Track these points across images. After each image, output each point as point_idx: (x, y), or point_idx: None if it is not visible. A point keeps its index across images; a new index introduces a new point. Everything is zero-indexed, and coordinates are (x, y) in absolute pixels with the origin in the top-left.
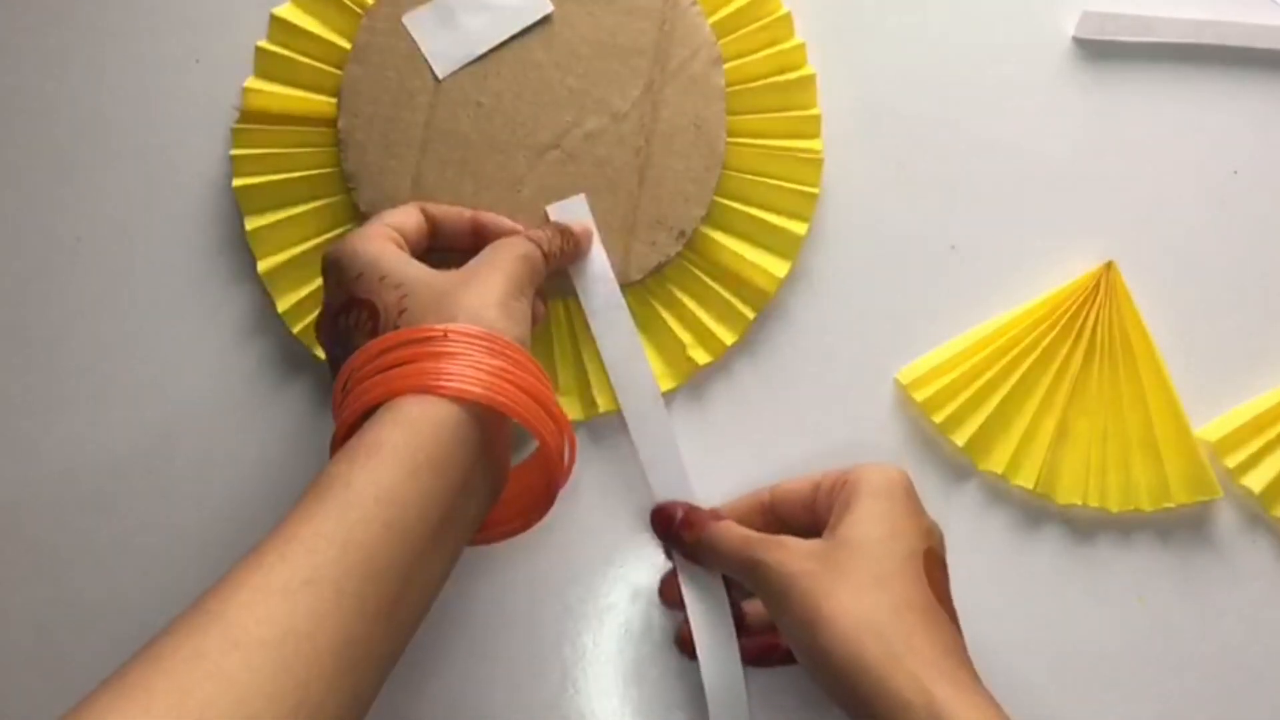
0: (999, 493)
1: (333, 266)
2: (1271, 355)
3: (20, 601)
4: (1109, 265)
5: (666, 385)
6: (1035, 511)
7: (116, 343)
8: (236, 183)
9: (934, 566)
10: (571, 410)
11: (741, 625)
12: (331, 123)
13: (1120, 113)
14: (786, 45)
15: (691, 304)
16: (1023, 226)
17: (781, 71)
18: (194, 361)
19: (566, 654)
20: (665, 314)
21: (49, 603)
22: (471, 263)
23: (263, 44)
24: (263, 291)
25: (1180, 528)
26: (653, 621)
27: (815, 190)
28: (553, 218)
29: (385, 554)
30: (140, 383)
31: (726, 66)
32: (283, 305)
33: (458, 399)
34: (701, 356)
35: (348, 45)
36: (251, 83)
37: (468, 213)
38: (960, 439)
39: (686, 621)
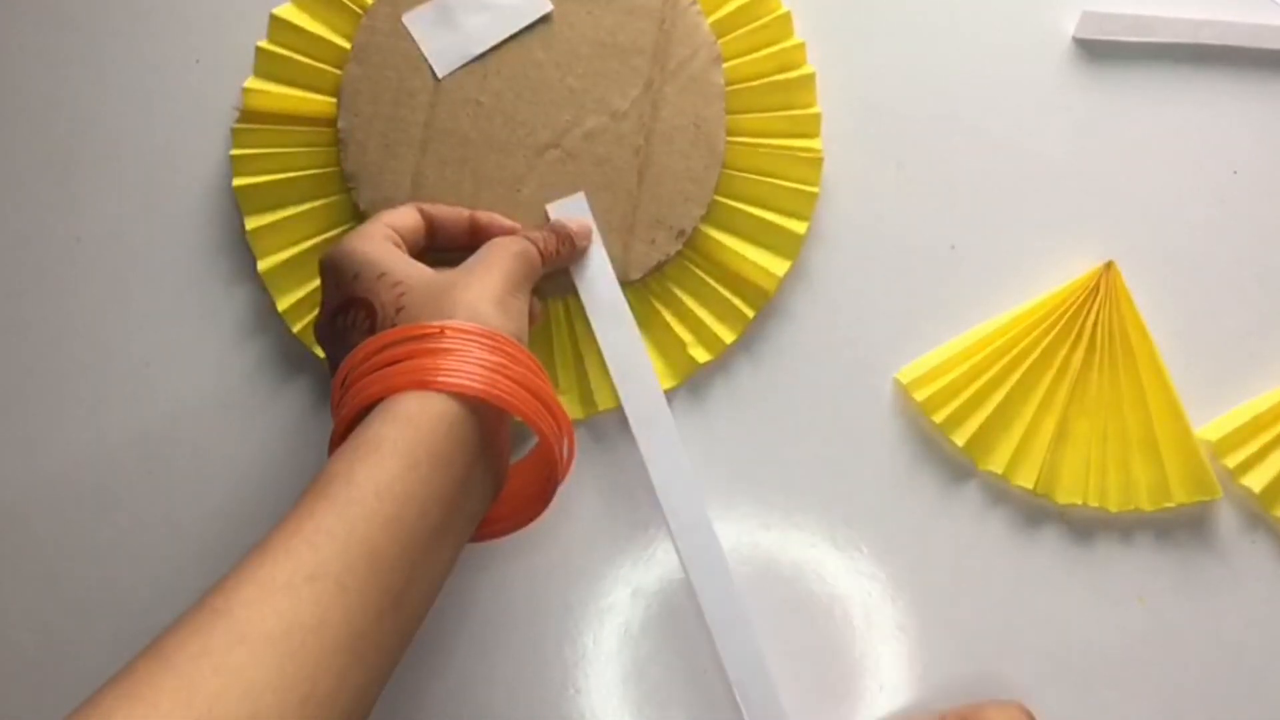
0: (999, 493)
1: (330, 267)
2: (1271, 355)
3: (21, 600)
4: (1109, 265)
5: (666, 384)
6: (1035, 511)
7: (116, 342)
8: (237, 182)
9: None
10: (571, 409)
11: None
12: (331, 122)
13: (1120, 113)
14: (786, 44)
15: (691, 303)
16: (1023, 226)
17: (781, 70)
18: (194, 360)
19: (566, 654)
20: (665, 313)
21: (49, 601)
22: (468, 261)
23: (263, 44)
24: (263, 291)
25: (1180, 528)
26: (652, 621)
27: (815, 189)
28: (552, 216)
29: (388, 548)
30: (140, 382)
31: (726, 65)
32: (283, 304)
33: (456, 394)
34: (701, 355)
35: (347, 45)
36: (251, 83)
37: (465, 212)
38: (960, 439)
39: None
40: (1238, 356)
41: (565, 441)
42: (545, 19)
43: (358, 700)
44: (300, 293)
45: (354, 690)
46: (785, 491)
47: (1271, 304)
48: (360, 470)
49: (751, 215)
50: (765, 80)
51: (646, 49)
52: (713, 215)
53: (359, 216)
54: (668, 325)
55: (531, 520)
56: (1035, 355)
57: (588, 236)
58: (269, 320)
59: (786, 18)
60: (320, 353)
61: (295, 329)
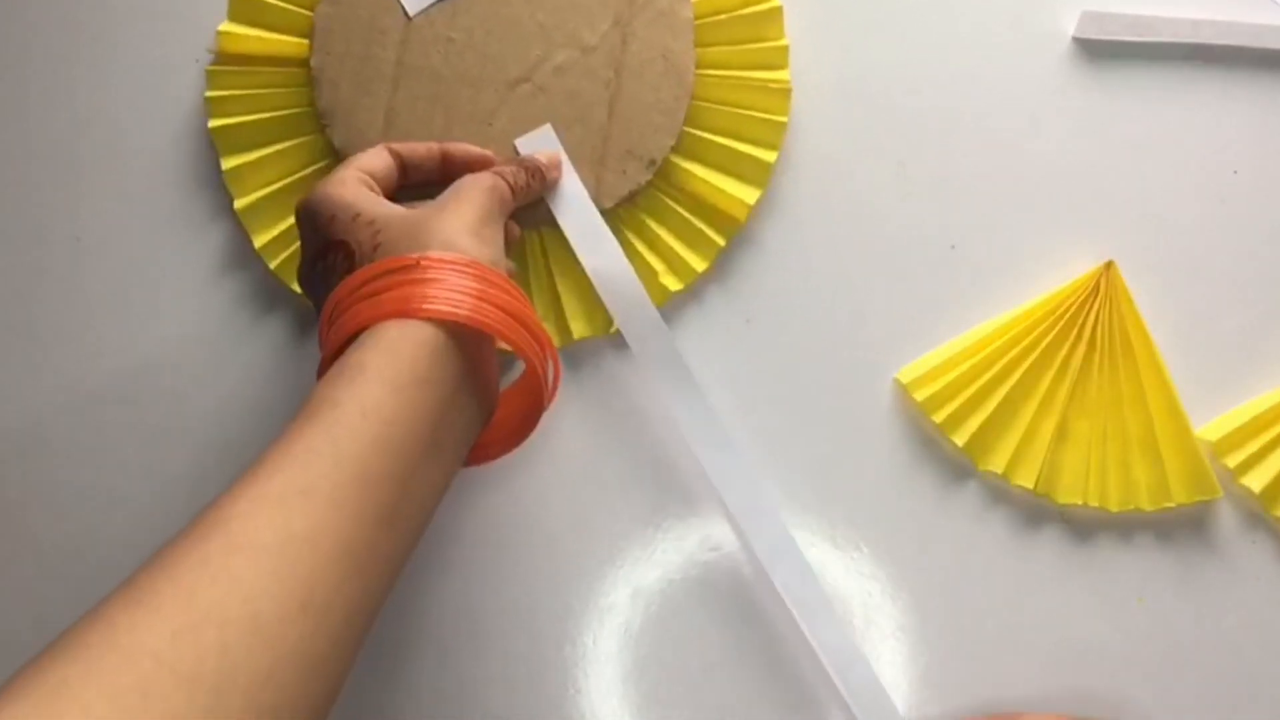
0: (999, 493)
1: (306, 214)
2: (1271, 355)
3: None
4: (1109, 265)
5: None
6: (1035, 511)
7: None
8: (213, 124)
9: None
10: None
11: None
12: (304, 63)
13: (1120, 113)
14: None
15: (662, 232)
16: (1023, 226)
17: (749, 3)
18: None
19: (566, 654)
20: (636, 242)
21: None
22: (440, 197)
23: None
24: (239, 229)
25: (1180, 528)
26: (652, 621)
27: (784, 119)
28: (522, 150)
29: (377, 466)
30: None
31: None
32: (259, 241)
33: (436, 320)
34: (673, 283)
35: None
36: (225, 26)
37: (435, 146)
38: (960, 439)
39: None
40: (1238, 356)
41: (550, 363)
42: None
43: (356, 611)
44: (276, 230)
45: (351, 600)
46: (785, 491)
47: (1271, 304)
48: (345, 393)
49: (721, 145)
50: (733, 13)
51: None
52: (683, 146)
53: (333, 154)
54: (639, 254)
55: (520, 442)
56: (1035, 355)
57: (558, 168)
58: (246, 258)
59: None
60: (298, 288)
61: (272, 265)
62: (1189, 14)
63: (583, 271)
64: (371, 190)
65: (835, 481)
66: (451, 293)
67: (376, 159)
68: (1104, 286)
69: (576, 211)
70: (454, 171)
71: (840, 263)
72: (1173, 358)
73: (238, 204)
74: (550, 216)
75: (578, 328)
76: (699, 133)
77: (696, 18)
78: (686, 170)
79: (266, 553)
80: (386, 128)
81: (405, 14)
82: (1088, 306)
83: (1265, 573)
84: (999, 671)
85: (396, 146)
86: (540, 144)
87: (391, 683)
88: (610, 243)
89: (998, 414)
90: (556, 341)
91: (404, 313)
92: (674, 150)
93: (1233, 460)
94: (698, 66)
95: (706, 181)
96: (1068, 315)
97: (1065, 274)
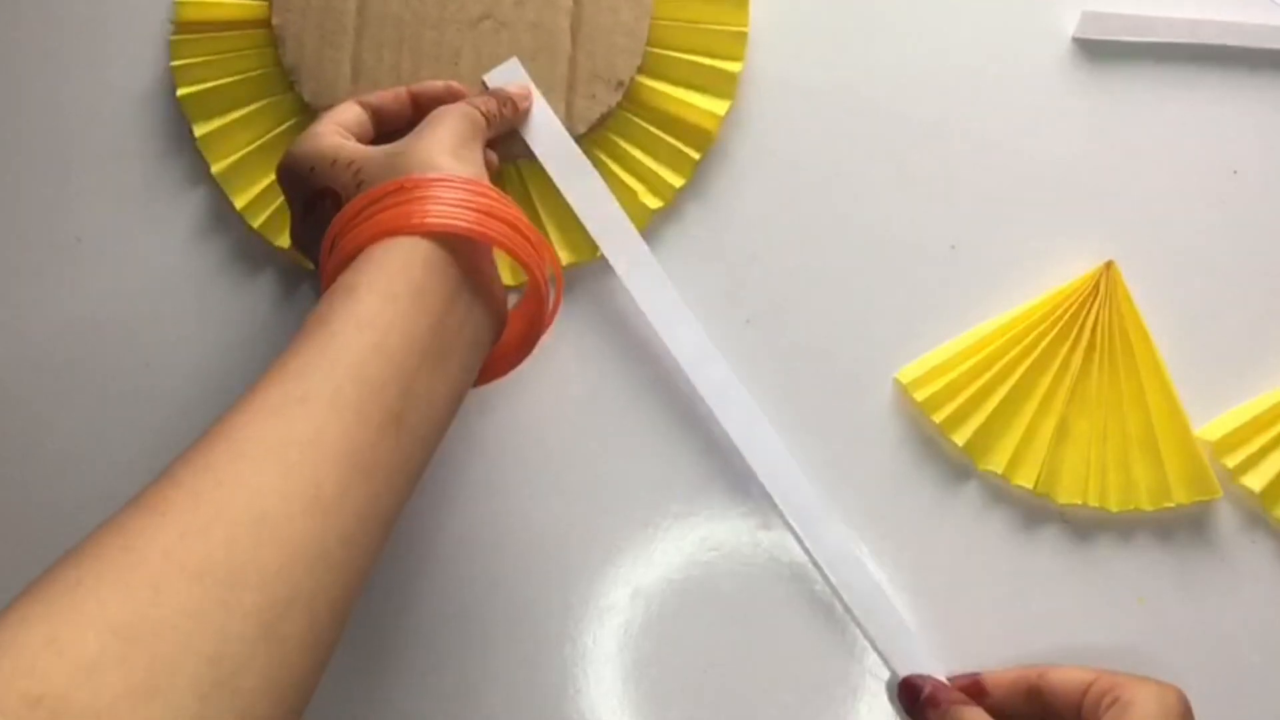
0: (999, 493)
1: (286, 172)
2: (1271, 355)
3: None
4: (1109, 265)
5: None
6: (1035, 511)
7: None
8: (180, 92)
9: None
10: None
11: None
12: (266, 24)
13: (1120, 112)
14: None
15: (637, 152)
16: (1023, 226)
17: None
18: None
19: (566, 654)
20: (612, 164)
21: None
22: (415, 129)
23: None
24: (219, 193)
25: (1180, 528)
26: (653, 621)
27: (745, 29)
28: (491, 85)
29: (376, 372)
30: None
31: None
32: (240, 202)
33: (422, 233)
34: (653, 202)
35: None
36: None
37: (404, 91)
38: (960, 439)
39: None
40: (1238, 356)
41: (547, 267)
42: None
43: (366, 514)
44: (256, 189)
45: (359, 503)
46: None
47: (1271, 304)
48: (338, 309)
49: (686, 60)
50: None
51: None
52: (648, 65)
53: (304, 110)
54: (617, 177)
55: (529, 351)
56: (1035, 355)
57: (528, 97)
58: (226, 223)
59: None
60: (283, 243)
61: (255, 224)
62: (1189, 14)
63: (564, 200)
64: (346, 139)
65: (835, 481)
66: (435, 205)
67: (347, 112)
68: (1104, 286)
69: (551, 141)
70: (426, 111)
71: (840, 263)
72: (1173, 358)
73: (215, 169)
74: (528, 149)
75: (564, 255)
76: (662, 51)
77: None
78: (654, 89)
79: (269, 456)
80: (354, 77)
81: None
82: (1088, 306)
83: (1265, 573)
84: (998, 671)
85: (365, 98)
86: (508, 78)
87: (392, 683)
88: (588, 169)
89: (998, 414)
90: None
91: (392, 231)
92: (640, 71)
93: (1233, 460)
94: None
95: (674, 98)
96: (1068, 315)
97: (1065, 274)
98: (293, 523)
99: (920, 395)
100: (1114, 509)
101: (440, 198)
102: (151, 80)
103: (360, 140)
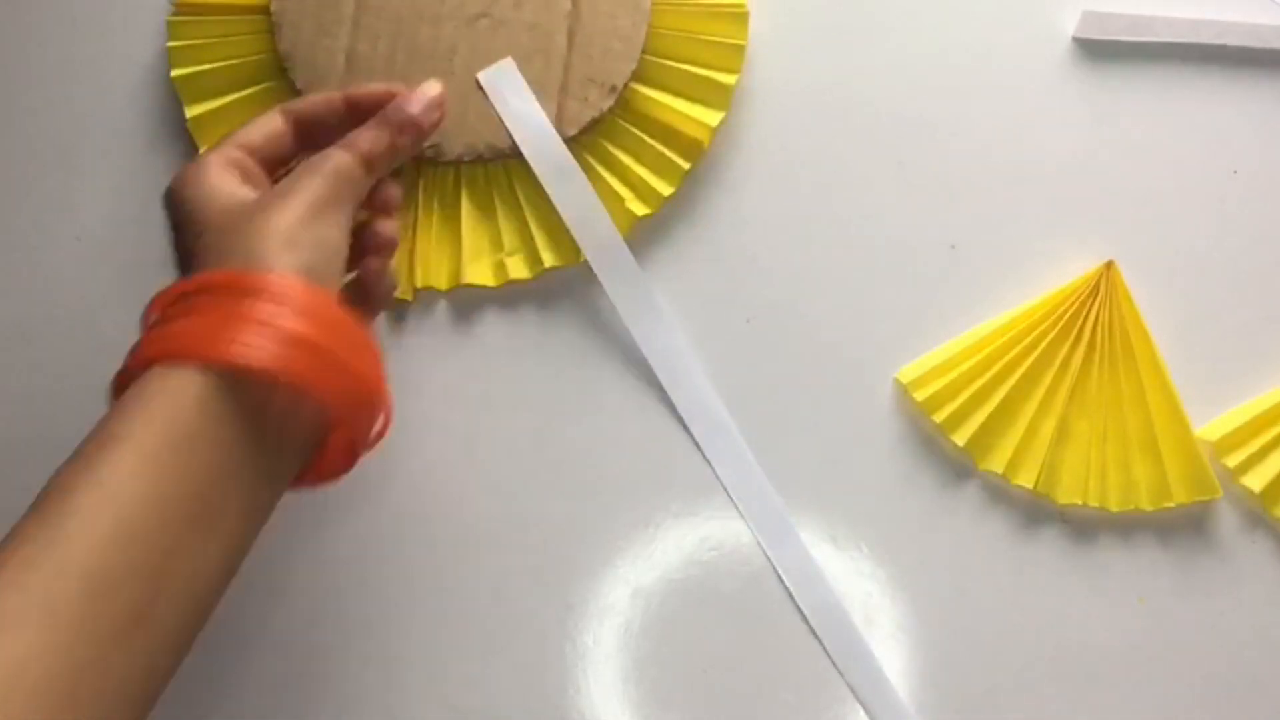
0: (999, 493)
1: (165, 209)
2: (1271, 355)
3: None
4: (1109, 265)
5: None
6: (1035, 511)
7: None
8: (174, 73)
9: None
10: (519, 269)
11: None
12: (264, 9)
13: (1120, 112)
14: None
15: (626, 159)
16: (1023, 226)
17: None
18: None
19: (567, 654)
20: (601, 170)
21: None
22: (277, 185)
23: None
24: None
25: (1180, 528)
26: (652, 621)
27: (742, 42)
28: (482, 83)
29: (117, 561)
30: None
31: None
32: None
33: (211, 361)
34: (640, 208)
35: None
36: None
37: (336, 96)
38: (960, 439)
39: None
40: (1238, 356)
41: (376, 408)
42: None
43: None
44: None
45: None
46: (784, 491)
47: (1271, 304)
48: (84, 476)
49: (681, 70)
50: None
51: None
52: (643, 73)
53: (296, 96)
54: (605, 182)
55: (339, 476)
56: (1035, 355)
57: (437, 108)
58: None
59: None
60: None
61: None
62: (1189, 14)
63: (551, 202)
64: (240, 171)
65: (835, 481)
66: (231, 327)
67: (263, 127)
68: (1104, 286)
69: (539, 141)
70: (364, 117)
71: (840, 263)
72: (1173, 358)
73: (203, 151)
74: (516, 148)
75: (549, 257)
76: (659, 60)
77: None
78: (647, 96)
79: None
80: (347, 69)
81: None
82: (1088, 306)
83: (1265, 573)
84: (999, 671)
85: (291, 105)
86: (502, 77)
87: (391, 682)
88: (577, 176)
89: (998, 414)
90: (527, 272)
91: (176, 354)
92: (634, 78)
93: (1233, 460)
94: None
95: (668, 107)
96: (1068, 315)
97: (1065, 274)
98: None
99: (920, 395)
100: (1114, 509)
101: (242, 315)
102: (149, 62)
103: (270, 160)
